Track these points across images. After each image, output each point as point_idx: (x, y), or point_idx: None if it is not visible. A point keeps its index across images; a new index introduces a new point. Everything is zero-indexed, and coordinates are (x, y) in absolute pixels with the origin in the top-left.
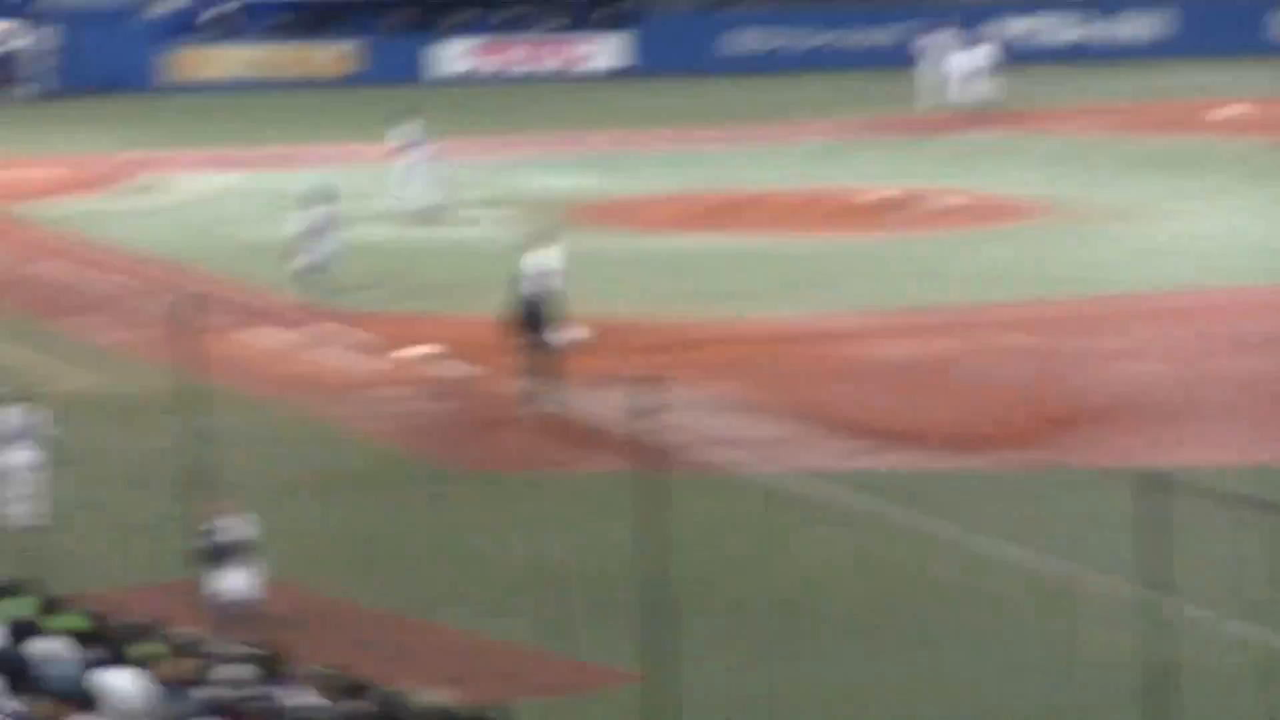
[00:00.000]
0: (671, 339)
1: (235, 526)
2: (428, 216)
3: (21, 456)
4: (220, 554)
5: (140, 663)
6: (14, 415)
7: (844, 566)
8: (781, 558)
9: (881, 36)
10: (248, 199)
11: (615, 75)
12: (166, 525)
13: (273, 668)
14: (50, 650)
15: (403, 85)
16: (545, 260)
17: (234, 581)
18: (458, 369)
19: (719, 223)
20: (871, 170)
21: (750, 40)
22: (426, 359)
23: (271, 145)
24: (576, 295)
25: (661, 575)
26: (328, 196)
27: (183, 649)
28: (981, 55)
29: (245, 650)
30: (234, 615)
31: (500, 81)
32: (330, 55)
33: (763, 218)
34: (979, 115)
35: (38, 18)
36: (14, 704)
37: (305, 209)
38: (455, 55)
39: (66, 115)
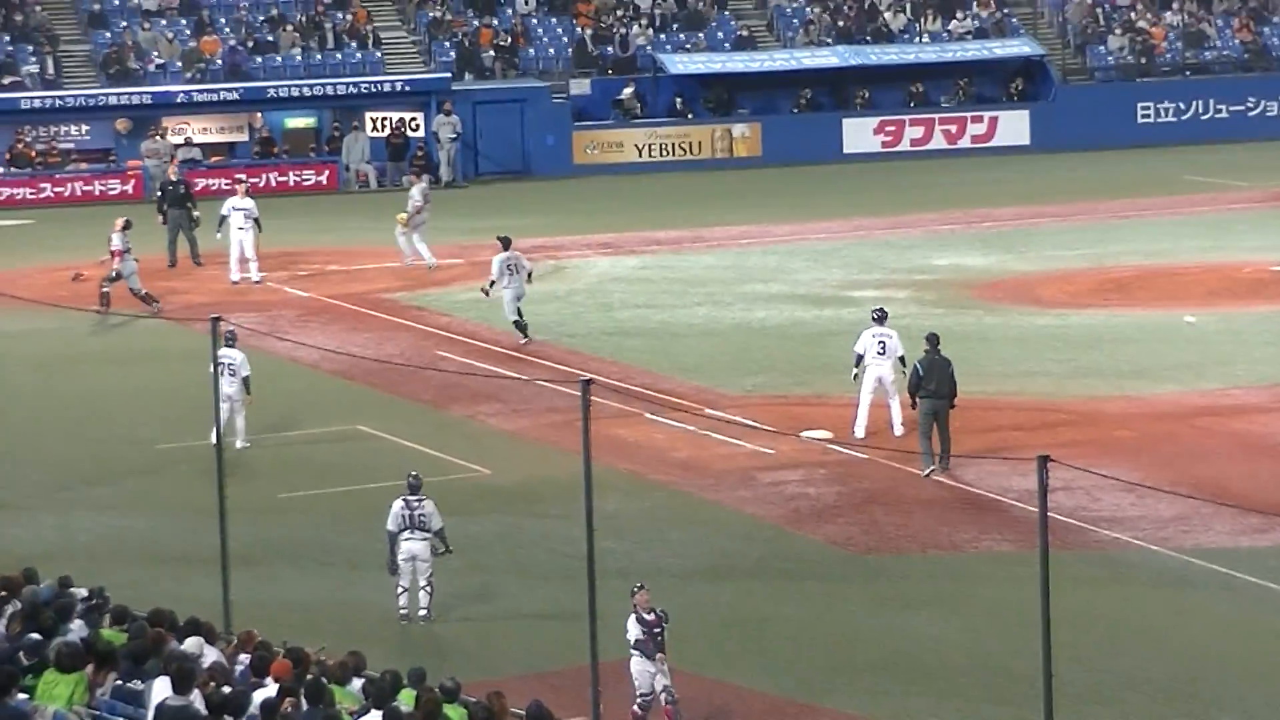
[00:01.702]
0: (1068, 416)
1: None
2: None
3: (416, 546)
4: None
5: None
6: (412, 504)
7: (1238, 646)
8: (1174, 637)
9: None
10: (649, 283)
11: (1019, 150)
12: (558, 614)
13: None
14: None
15: (809, 163)
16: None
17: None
18: (846, 452)
19: (1116, 298)
20: (1274, 243)
21: (1154, 113)
22: (815, 442)
23: (676, 228)
24: (980, 372)
25: (1056, 656)
26: (505, 243)
27: None
28: None
29: None
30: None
31: (904, 158)
32: (735, 134)
33: (1159, 292)
34: None
35: (446, 105)
36: None
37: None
38: (859, 133)
39: (470, 202)
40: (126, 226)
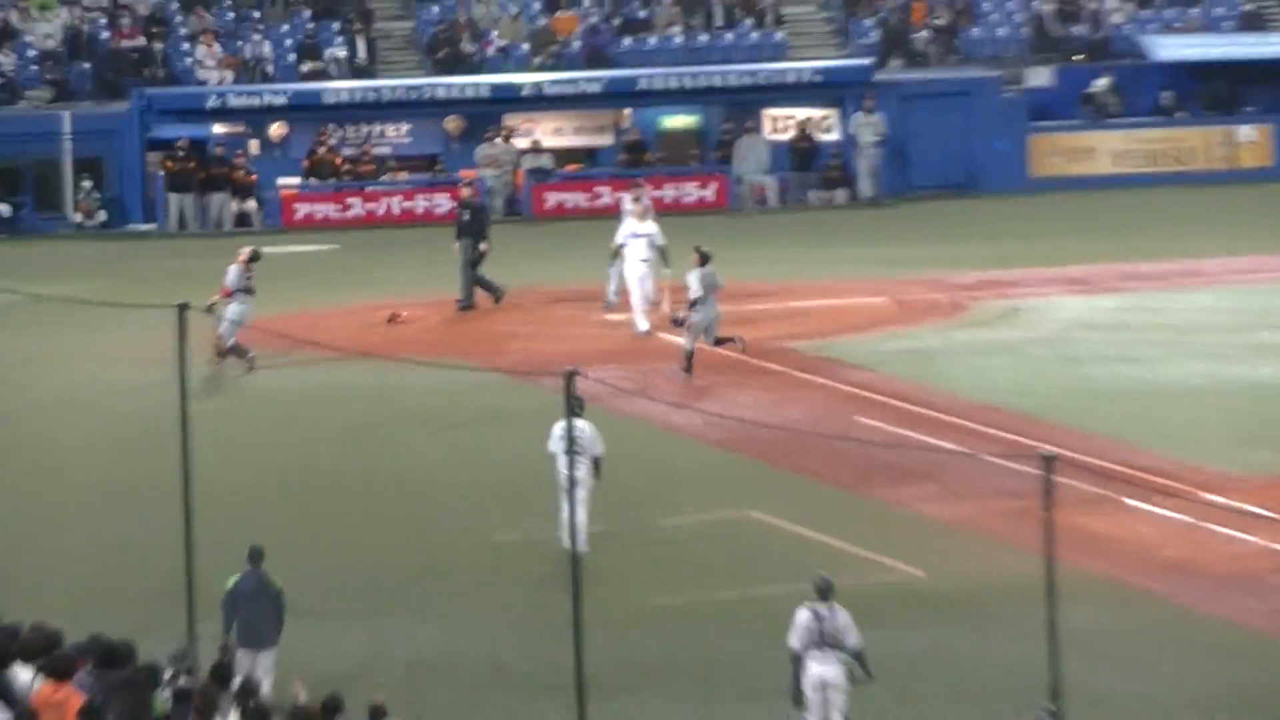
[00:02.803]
0: None
1: None
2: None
3: (829, 670)
4: None
5: None
6: (822, 614)
7: None
8: None
9: None
10: (1128, 330)
11: None
12: None
13: None
14: None
15: None
16: None
17: None
18: None
19: None
20: None
21: None
22: None
23: (1163, 259)
24: None
25: None
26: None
27: None
28: None
29: None
30: None
31: None
32: (1240, 139)
33: None
34: None
35: (867, 102)
36: None
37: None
38: None
39: (898, 224)
40: (252, 259)
